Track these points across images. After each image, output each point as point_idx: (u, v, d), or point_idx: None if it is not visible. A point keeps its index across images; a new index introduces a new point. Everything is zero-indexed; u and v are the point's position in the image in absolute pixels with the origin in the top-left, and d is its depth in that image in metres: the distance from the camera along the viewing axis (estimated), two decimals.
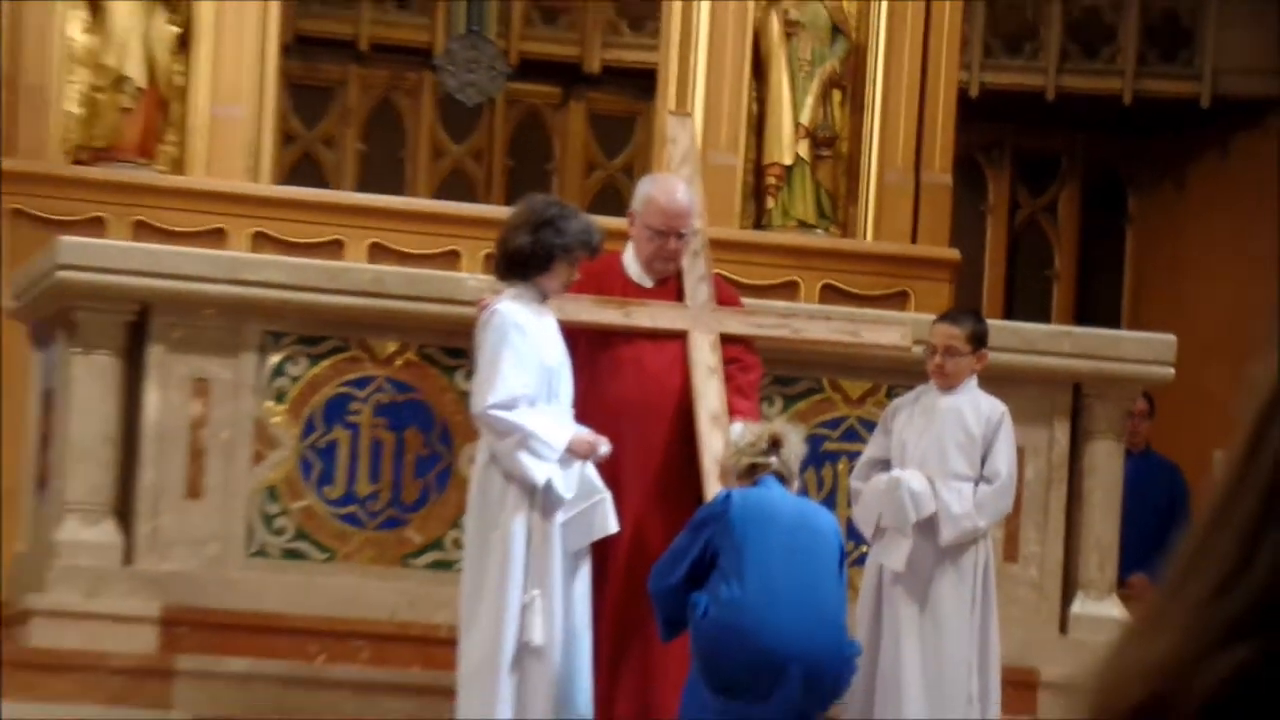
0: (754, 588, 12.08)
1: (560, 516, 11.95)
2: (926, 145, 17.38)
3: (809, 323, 13.86)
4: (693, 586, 12.22)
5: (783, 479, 12.50)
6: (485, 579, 11.90)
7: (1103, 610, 14.10)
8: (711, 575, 12.14)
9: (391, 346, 13.78)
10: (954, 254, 17.77)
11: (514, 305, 11.96)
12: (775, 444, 12.63)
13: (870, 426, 13.62)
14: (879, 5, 17.24)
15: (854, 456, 13.23)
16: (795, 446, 12.83)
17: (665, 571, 12.32)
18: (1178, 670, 1.81)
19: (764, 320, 13.21)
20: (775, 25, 17.19)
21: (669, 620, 12.27)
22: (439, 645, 12.29)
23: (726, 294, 13.10)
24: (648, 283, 12.97)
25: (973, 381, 13.07)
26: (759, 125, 17.13)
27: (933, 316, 14.02)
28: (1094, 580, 14.25)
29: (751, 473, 12.53)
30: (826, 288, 16.47)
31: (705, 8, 17.09)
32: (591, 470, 12.16)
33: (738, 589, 12.10)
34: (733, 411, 12.65)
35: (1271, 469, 1.85)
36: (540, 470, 11.80)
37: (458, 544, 12.78)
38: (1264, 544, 1.82)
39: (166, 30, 16.93)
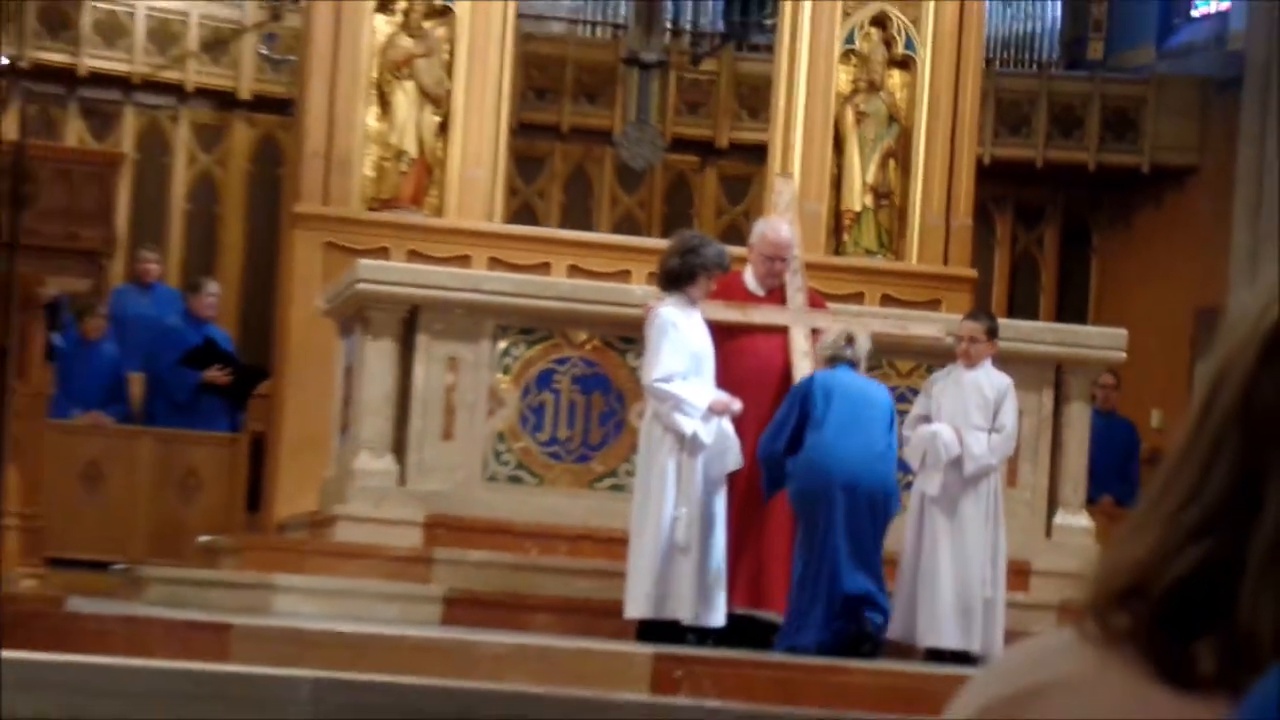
0: (828, 435, 12.12)
1: (702, 457, 11.84)
2: (954, 198, 17.22)
3: (872, 320, 13.77)
4: (789, 452, 12.27)
5: (853, 365, 12.58)
6: (649, 500, 11.90)
7: (1075, 521, 14.25)
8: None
9: (583, 336, 13.75)
10: (973, 273, 17.64)
11: (670, 308, 11.90)
12: (849, 341, 12.68)
13: (915, 393, 13.54)
14: (921, 100, 17.02)
15: (904, 414, 13.19)
16: (863, 343, 12.90)
17: (770, 439, 12.31)
18: (1153, 564, 1.78)
19: (840, 318, 12.98)
20: (850, 115, 16.99)
21: (772, 480, 12.26)
22: (615, 544, 12.23)
23: (815, 300, 12.90)
24: (761, 292, 12.79)
25: (988, 362, 12.99)
26: (837, 183, 16.94)
27: (959, 316, 13.97)
28: (1069, 500, 14.31)
29: (831, 363, 12.58)
30: (884, 296, 16.43)
31: (801, 102, 16.89)
32: (727, 423, 11.99)
33: (816, 437, 12.13)
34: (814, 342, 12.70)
35: (1220, 422, 1.79)
36: (688, 425, 11.72)
37: (629, 474, 12.76)
38: (1214, 474, 1.79)
39: (431, 119, 16.94)
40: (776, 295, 12.74)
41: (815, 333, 12.65)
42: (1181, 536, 1.77)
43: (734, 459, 12.11)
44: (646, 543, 11.90)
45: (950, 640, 12.38)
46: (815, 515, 12.08)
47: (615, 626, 11.94)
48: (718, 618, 11.95)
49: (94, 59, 21.98)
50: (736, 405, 12.08)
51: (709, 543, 11.96)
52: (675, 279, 12.23)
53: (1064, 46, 23.58)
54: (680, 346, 11.94)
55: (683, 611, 11.88)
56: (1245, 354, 1.83)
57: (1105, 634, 1.82)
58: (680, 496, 11.92)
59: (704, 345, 12.11)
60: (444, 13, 17.12)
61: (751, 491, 12.26)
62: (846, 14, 17.12)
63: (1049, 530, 14.17)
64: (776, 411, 12.37)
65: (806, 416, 12.34)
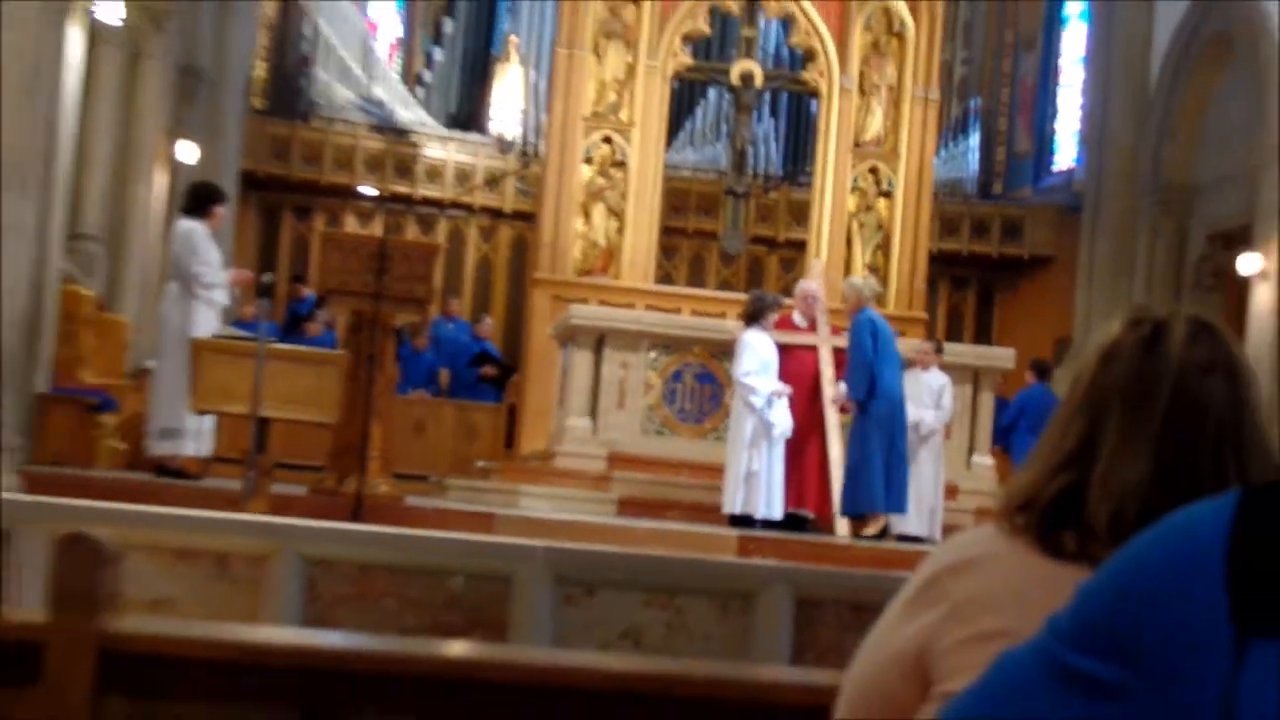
0: (887, 374, 11.94)
1: (764, 419, 11.78)
2: (915, 272, 16.98)
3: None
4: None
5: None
6: (735, 445, 11.84)
7: (983, 460, 14.10)
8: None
9: (699, 349, 13.64)
10: (925, 315, 17.35)
11: (752, 333, 11.82)
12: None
13: None
14: (897, 216, 16.81)
15: None
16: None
17: (863, 366, 11.91)
18: (1038, 487, 1.89)
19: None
20: (855, 224, 16.78)
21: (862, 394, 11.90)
22: (716, 471, 12.12)
23: (835, 329, 12.54)
24: (803, 324, 12.62)
25: (935, 367, 12.89)
26: (847, 263, 16.76)
27: (918, 341, 13.90)
28: (980, 447, 14.13)
29: (877, 300, 12.66)
30: None
31: (827, 217, 16.70)
32: (783, 401, 11.86)
33: (884, 374, 11.94)
34: (837, 366, 12.47)
35: (1075, 404, 1.92)
36: (760, 401, 11.66)
37: (724, 430, 12.60)
38: (1071, 434, 1.91)
39: (614, 224, 16.84)
40: (812, 326, 12.62)
41: (836, 350, 12.40)
42: (1054, 470, 1.88)
43: (784, 427, 11.96)
44: (734, 470, 11.81)
45: (915, 529, 12.21)
46: (893, 429, 11.85)
47: (716, 519, 11.80)
48: (776, 513, 11.82)
49: (423, 189, 22.12)
50: (787, 391, 11.88)
51: (770, 470, 11.82)
52: (752, 316, 12.10)
53: (979, 185, 23.26)
54: (754, 356, 11.80)
55: (756, 508, 11.75)
56: (1090, 364, 1.94)
57: (1011, 528, 1.91)
58: (753, 448, 11.82)
59: (771, 355, 11.92)
60: (621, 164, 17.04)
61: (795, 436, 12.04)
62: (853, 165, 16.99)
63: (968, 465, 13.85)
64: (853, 352, 12.07)
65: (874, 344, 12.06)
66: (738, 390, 12.10)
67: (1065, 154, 23.04)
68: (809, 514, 12.12)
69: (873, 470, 11.79)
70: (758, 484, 11.86)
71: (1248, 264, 16.34)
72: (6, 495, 6.34)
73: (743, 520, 11.69)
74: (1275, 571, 1.07)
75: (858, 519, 11.91)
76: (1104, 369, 1.89)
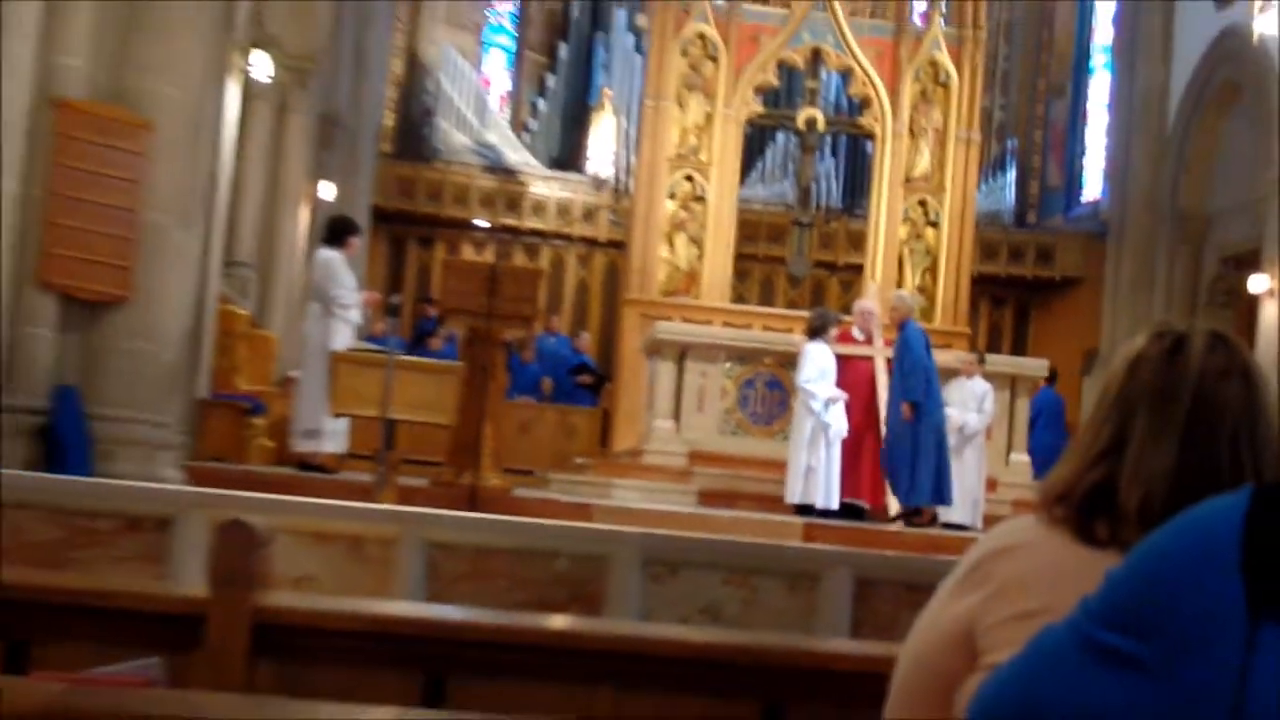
0: (934, 387, 11.86)
1: (823, 421, 11.68)
2: (959, 292, 16.84)
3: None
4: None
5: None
6: (798, 445, 11.75)
7: (1020, 458, 13.77)
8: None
9: (769, 360, 13.54)
10: (969, 330, 17.17)
11: (814, 344, 11.74)
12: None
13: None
14: (943, 243, 16.62)
15: None
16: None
17: (920, 370, 11.76)
18: (1074, 480, 1.86)
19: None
20: (906, 251, 16.62)
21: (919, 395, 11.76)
22: (781, 466, 12.07)
23: (888, 341, 12.41)
24: (861, 338, 12.60)
25: (978, 375, 12.72)
26: (899, 284, 16.58)
27: (962, 352, 13.72)
28: (1017, 445, 13.87)
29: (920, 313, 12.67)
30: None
31: (881, 244, 16.58)
32: (839, 405, 11.75)
33: (934, 388, 11.85)
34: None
35: (1108, 406, 1.89)
36: (818, 405, 11.56)
37: (789, 431, 12.40)
38: (1104, 432, 1.87)
39: (694, 251, 16.81)
40: (869, 340, 12.56)
41: (887, 361, 12.25)
42: (1088, 466, 1.86)
43: (839, 428, 11.85)
44: (795, 465, 11.73)
45: (960, 519, 12.03)
46: (941, 435, 11.77)
47: (782, 509, 11.68)
48: (834, 503, 11.70)
49: (529, 221, 22.22)
50: (843, 396, 11.79)
51: (829, 465, 11.71)
52: (815, 331, 11.97)
53: (1015, 215, 23.03)
54: (814, 365, 11.71)
55: (815, 499, 11.64)
56: (1119, 373, 1.91)
57: (1049, 518, 1.88)
58: (811, 446, 11.73)
59: (829, 365, 11.81)
60: (701, 199, 17.06)
61: (852, 436, 11.93)
62: (904, 199, 16.89)
63: (1007, 462, 13.65)
64: (906, 360, 11.82)
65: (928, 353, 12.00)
66: (800, 395, 12.03)
67: (1092, 187, 22.76)
68: (864, 504, 12.03)
69: (926, 467, 11.70)
70: (816, 478, 11.78)
71: (1257, 284, 16.40)
72: (172, 487, 6.43)
73: (804, 509, 11.61)
74: None
75: (912, 510, 11.81)
76: (1132, 377, 1.88)
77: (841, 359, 12.05)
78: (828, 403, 11.71)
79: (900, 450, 11.75)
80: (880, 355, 12.37)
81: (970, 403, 12.51)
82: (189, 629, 2.57)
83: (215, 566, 2.63)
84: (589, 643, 2.71)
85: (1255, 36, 14.76)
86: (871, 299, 13.87)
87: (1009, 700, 1.25)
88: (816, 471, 11.74)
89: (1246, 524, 1.10)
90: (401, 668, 2.64)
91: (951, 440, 12.07)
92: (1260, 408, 1.83)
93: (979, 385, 12.67)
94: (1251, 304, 16.64)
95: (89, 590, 2.71)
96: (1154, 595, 1.14)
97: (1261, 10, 13.57)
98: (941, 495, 11.76)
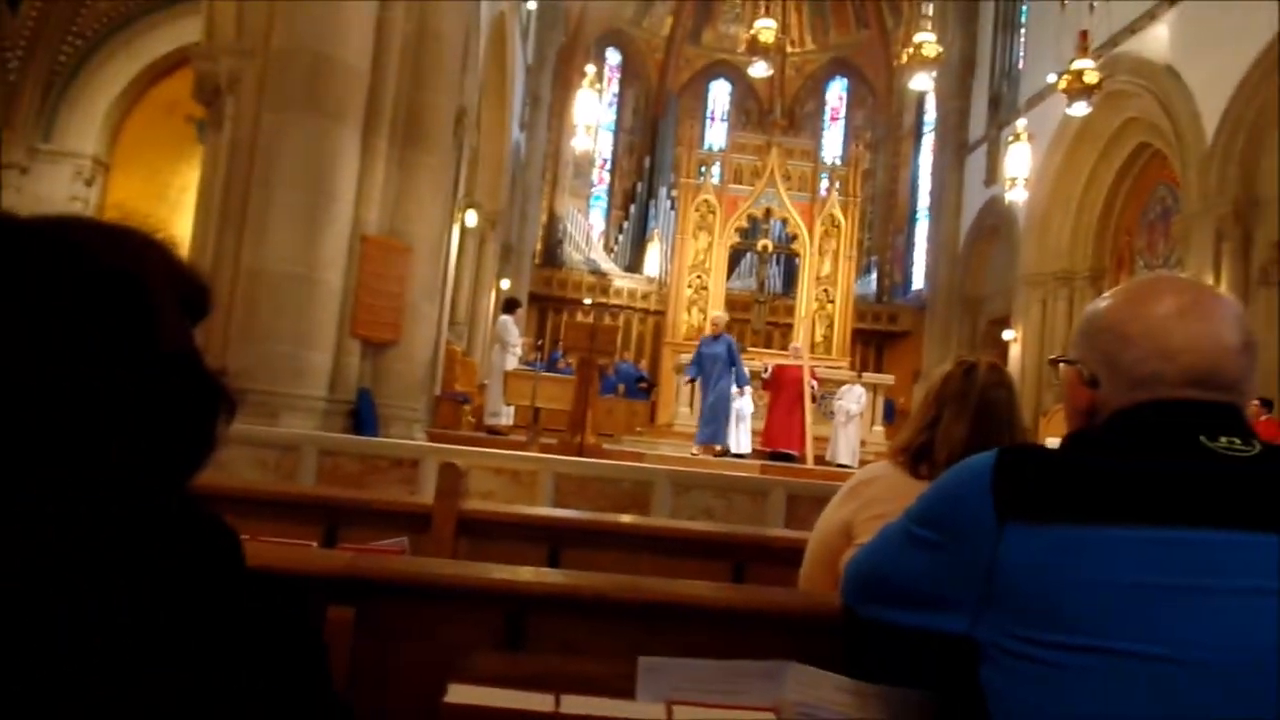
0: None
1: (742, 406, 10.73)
2: (846, 338, 16.47)
3: (826, 373, 12.85)
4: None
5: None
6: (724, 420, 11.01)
7: (879, 429, 13.16)
8: None
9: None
10: (849, 360, 16.81)
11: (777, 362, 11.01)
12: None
13: (828, 396, 12.69)
14: (837, 313, 16.25)
15: (829, 396, 12.55)
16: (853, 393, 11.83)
17: (736, 363, 9.79)
18: (910, 440, 1.77)
19: (818, 365, 12.14)
20: (817, 318, 16.35)
21: (745, 380, 9.93)
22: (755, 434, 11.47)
23: (809, 361, 11.91)
24: (793, 359, 11.97)
25: (859, 384, 12.42)
26: (813, 337, 16.35)
27: (850, 372, 13.29)
28: (877, 422, 13.38)
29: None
30: (824, 367, 16.03)
31: (802, 313, 16.31)
32: (750, 394, 10.11)
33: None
34: (813, 378, 11.36)
35: (928, 399, 1.79)
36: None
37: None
38: (927, 414, 1.78)
39: (700, 316, 16.42)
40: (798, 358, 11.96)
41: (811, 370, 11.58)
42: (917, 433, 1.79)
43: (747, 407, 10.38)
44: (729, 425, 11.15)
45: (845, 461, 11.67)
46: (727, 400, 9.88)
47: (743, 457, 11.16)
48: (745, 448, 10.60)
49: (613, 300, 22.09)
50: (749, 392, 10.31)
51: (740, 428, 10.73)
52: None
53: (876, 297, 22.74)
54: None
55: (734, 446, 10.46)
56: (936, 383, 1.84)
57: (895, 461, 1.82)
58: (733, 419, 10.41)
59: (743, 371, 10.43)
60: (705, 288, 16.92)
61: (785, 409, 11.13)
62: (815, 288, 16.67)
63: (871, 431, 13.12)
64: (730, 356, 9.80)
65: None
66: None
67: (918, 283, 22.33)
68: (794, 452, 11.77)
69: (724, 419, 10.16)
70: (741, 432, 10.81)
71: (1007, 335, 16.50)
72: (419, 442, 6.43)
73: (732, 453, 10.33)
74: (1017, 487, 1.03)
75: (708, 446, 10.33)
76: (944, 385, 1.81)
77: (780, 368, 11.59)
78: (736, 395, 10.60)
79: (725, 408, 10.23)
80: (806, 367, 11.66)
81: (854, 399, 12.26)
82: (423, 521, 2.55)
83: (439, 486, 2.62)
84: (639, 530, 2.66)
85: (1006, 202, 14.65)
86: (798, 343, 13.60)
87: (864, 565, 1.21)
88: (731, 433, 10.59)
89: (995, 466, 1.06)
90: (538, 542, 2.61)
91: (842, 419, 11.85)
92: (1015, 406, 1.79)
93: (857, 389, 12.44)
94: (1004, 348, 16.53)
95: (370, 499, 2.70)
96: (944, 506, 1.10)
97: (1009, 188, 13.47)
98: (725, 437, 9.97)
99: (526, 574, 1.47)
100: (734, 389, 9.85)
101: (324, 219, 6.38)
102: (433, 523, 2.50)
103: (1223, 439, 0.97)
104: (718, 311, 12.78)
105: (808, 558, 1.90)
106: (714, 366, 9.71)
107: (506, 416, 10.72)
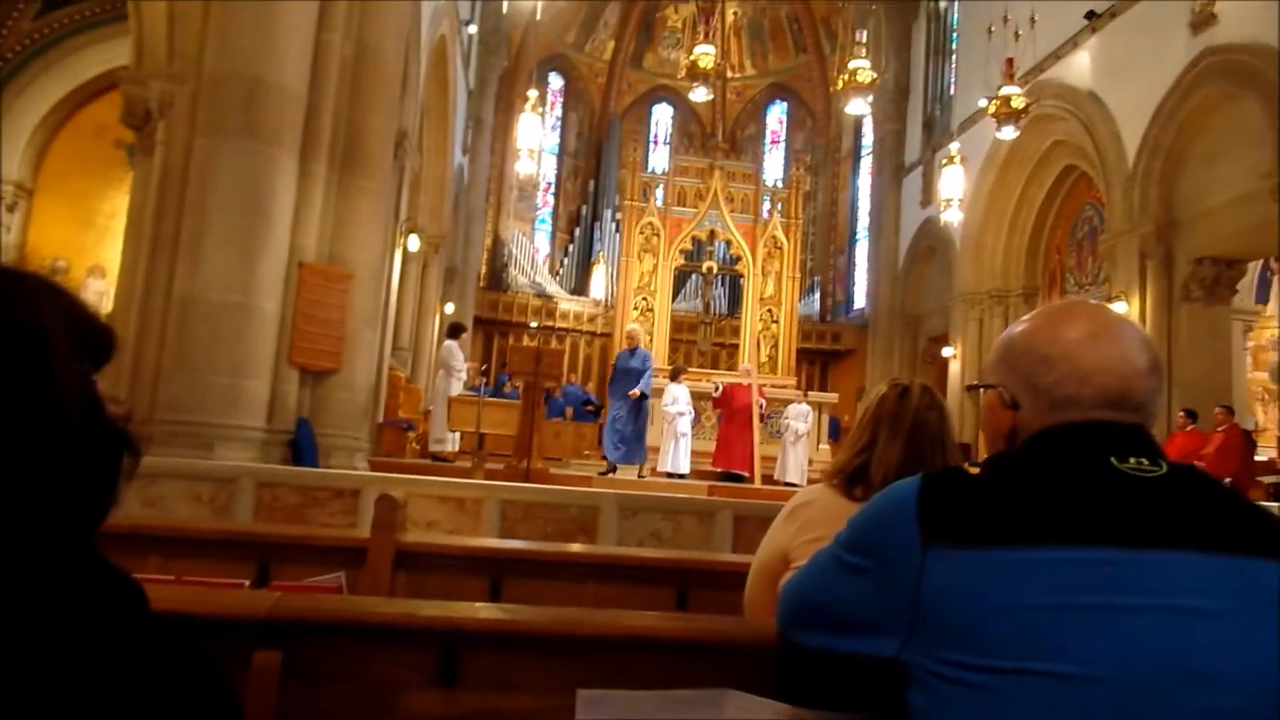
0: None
1: (678, 428, 10.66)
2: (790, 358, 16.63)
3: (773, 391, 12.89)
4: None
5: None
6: (665, 438, 10.80)
7: (825, 447, 13.24)
8: None
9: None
10: (795, 379, 16.93)
11: (675, 385, 10.75)
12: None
13: (775, 415, 12.81)
14: (781, 333, 16.42)
15: (776, 415, 12.67)
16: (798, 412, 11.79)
17: (647, 376, 9.44)
18: (846, 463, 1.76)
19: (765, 384, 12.23)
20: (762, 338, 16.52)
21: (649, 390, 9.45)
22: (704, 456, 11.40)
23: (760, 390, 11.96)
24: (744, 379, 11.92)
25: (805, 401, 12.54)
26: (759, 357, 16.48)
27: (795, 391, 13.37)
28: (823, 440, 13.43)
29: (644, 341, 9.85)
30: (771, 385, 16.13)
31: (748, 335, 16.45)
32: (688, 418, 9.90)
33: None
34: (761, 396, 11.30)
35: (865, 420, 1.77)
36: (671, 417, 10.87)
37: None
38: (864, 436, 1.77)
39: (647, 338, 16.43)
40: (748, 378, 11.92)
41: (760, 388, 11.70)
42: (854, 455, 1.78)
43: (684, 430, 10.15)
44: (663, 449, 10.98)
45: (793, 480, 11.68)
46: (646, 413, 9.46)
47: (698, 476, 10.88)
48: (684, 469, 10.31)
49: (559, 323, 21.95)
50: (690, 413, 10.22)
51: (676, 449, 10.43)
52: (674, 375, 10.77)
53: (819, 316, 23.06)
54: (670, 395, 10.69)
55: (670, 468, 10.22)
56: (872, 404, 1.82)
57: (831, 484, 1.81)
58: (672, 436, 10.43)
59: (683, 395, 10.41)
60: (651, 309, 16.89)
61: (734, 431, 11.13)
62: (760, 309, 16.84)
63: (817, 450, 13.13)
64: (641, 367, 9.41)
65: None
66: (666, 413, 10.86)
67: (859, 302, 22.74)
68: (742, 473, 11.78)
69: (639, 438, 9.91)
70: (671, 456, 10.60)
71: (946, 352, 16.83)
72: (361, 472, 6.29)
73: (670, 475, 10.19)
74: (939, 511, 1.04)
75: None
76: (879, 406, 1.82)
77: (729, 386, 11.41)
78: (676, 416, 10.65)
79: (639, 425, 9.76)
80: (754, 386, 11.69)
81: (799, 417, 12.37)
82: (360, 555, 2.49)
83: (374, 519, 2.55)
84: (581, 558, 2.63)
85: (942, 223, 15.06)
86: (746, 364, 13.70)
87: (796, 592, 1.21)
88: (670, 453, 10.56)
89: (920, 491, 1.07)
90: (478, 575, 2.56)
91: (791, 438, 11.93)
92: (948, 429, 1.80)
93: (804, 407, 12.54)
94: (944, 364, 16.89)
95: (305, 535, 2.62)
96: (872, 532, 1.09)
97: (944, 209, 13.85)
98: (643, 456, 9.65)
99: (461, 610, 1.44)
100: (671, 410, 9.86)
101: (260, 245, 6.25)
102: (369, 557, 2.41)
103: (1131, 460, 1.00)
104: (632, 324, 12.59)
105: (750, 581, 1.90)
106: (630, 381, 9.41)
107: (452, 443, 10.55)
